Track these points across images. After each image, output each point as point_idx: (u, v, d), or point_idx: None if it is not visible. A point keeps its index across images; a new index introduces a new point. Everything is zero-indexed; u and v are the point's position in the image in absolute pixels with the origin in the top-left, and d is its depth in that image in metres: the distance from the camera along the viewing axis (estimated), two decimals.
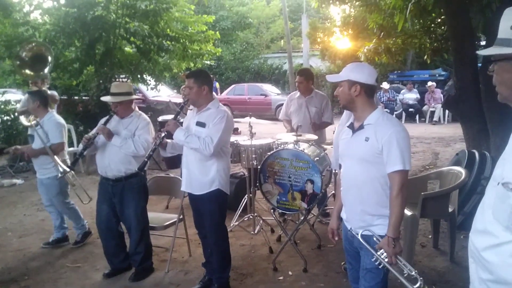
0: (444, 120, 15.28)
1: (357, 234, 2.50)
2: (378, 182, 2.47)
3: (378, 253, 2.40)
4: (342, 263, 4.19)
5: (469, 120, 6.17)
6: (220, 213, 3.72)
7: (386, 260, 2.37)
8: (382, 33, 8.72)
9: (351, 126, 2.61)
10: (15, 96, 11.42)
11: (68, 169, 4.26)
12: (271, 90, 19.81)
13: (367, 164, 2.47)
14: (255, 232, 5.13)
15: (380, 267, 2.41)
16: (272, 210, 4.63)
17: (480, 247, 1.57)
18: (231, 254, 3.90)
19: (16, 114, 7.00)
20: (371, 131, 2.46)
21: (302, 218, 4.52)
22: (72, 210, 5.02)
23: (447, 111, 15.07)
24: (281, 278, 4.13)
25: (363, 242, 2.46)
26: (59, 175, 4.49)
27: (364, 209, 2.51)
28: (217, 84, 21.27)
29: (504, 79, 1.55)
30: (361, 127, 2.52)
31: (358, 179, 2.52)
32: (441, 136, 12.34)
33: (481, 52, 1.61)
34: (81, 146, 4.04)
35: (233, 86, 20.50)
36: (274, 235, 5.13)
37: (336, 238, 2.83)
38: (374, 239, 2.46)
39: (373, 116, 2.51)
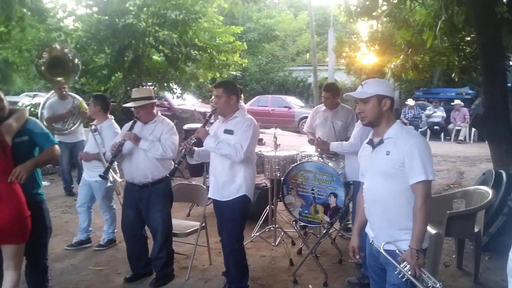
0: (469, 139, 15.03)
1: (379, 248, 2.49)
2: (403, 195, 2.46)
3: (401, 265, 2.38)
4: (347, 279, 4.21)
5: (497, 139, 6.07)
6: (240, 221, 3.76)
7: (410, 272, 2.35)
8: (410, 50, 8.68)
9: (370, 142, 2.62)
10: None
11: (101, 178, 4.31)
12: (295, 103, 19.84)
13: (389, 178, 2.47)
14: (276, 243, 5.12)
15: (404, 280, 2.38)
16: (293, 222, 4.62)
17: None
18: (251, 265, 3.91)
19: (45, 123, 7.13)
20: (392, 145, 2.47)
21: (324, 231, 4.50)
22: (113, 214, 5.13)
23: (473, 130, 14.84)
24: None
25: (387, 256, 2.44)
26: (109, 183, 4.59)
27: (390, 224, 2.50)
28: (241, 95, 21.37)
29: None
30: (381, 141, 2.52)
31: (382, 194, 2.52)
32: (466, 155, 12.14)
33: None
34: (108, 154, 4.12)
35: (257, 97, 20.59)
36: (295, 247, 5.11)
37: (358, 257, 2.83)
38: (397, 251, 2.44)
39: (392, 129, 2.53)
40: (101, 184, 4.86)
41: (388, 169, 2.47)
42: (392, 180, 2.46)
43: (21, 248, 3.11)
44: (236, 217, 3.70)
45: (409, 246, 2.40)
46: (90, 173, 4.92)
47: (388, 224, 2.51)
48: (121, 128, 4.45)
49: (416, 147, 2.41)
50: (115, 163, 4.29)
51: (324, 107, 5.41)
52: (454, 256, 4.71)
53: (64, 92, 7.06)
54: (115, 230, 5.16)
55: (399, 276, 2.38)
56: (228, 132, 3.64)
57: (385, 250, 2.46)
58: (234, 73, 12.05)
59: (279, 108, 19.06)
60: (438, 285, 2.30)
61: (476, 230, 4.16)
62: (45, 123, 6.74)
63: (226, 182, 3.67)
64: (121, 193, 4.58)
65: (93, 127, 4.82)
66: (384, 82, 2.62)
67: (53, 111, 6.95)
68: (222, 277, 4.03)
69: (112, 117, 5.14)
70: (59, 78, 7.18)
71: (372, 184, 2.59)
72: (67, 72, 7.30)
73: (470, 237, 4.30)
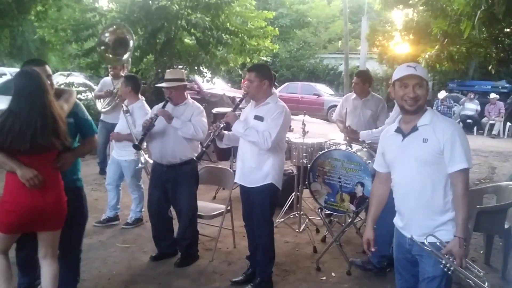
0: (503, 134, 14.64)
1: (421, 242, 2.40)
2: (439, 184, 2.41)
3: (447, 256, 2.32)
4: (351, 259, 4.24)
5: None
6: (270, 207, 3.76)
7: (455, 263, 2.30)
8: (446, 40, 8.44)
9: (399, 130, 2.54)
10: (78, 79, 11.92)
11: (135, 148, 4.33)
12: (324, 91, 19.64)
13: (427, 167, 2.41)
14: (300, 230, 5.13)
15: (449, 272, 2.33)
16: (319, 210, 4.61)
17: None
18: (275, 250, 3.92)
19: (93, 96, 7.24)
20: (429, 132, 2.40)
21: (349, 220, 4.47)
22: (141, 193, 5.21)
23: (507, 125, 14.45)
24: (323, 278, 4.11)
25: (432, 249, 2.36)
26: (140, 164, 4.63)
27: (427, 214, 2.44)
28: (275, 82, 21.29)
29: None
30: (415, 129, 2.45)
31: (418, 183, 2.45)
32: (499, 150, 11.84)
33: None
34: (140, 129, 4.16)
35: (286, 84, 20.45)
36: (319, 235, 5.11)
37: (373, 249, 2.77)
38: (438, 244, 2.38)
39: (427, 117, 2.46)
40: (130, 163, 4.94)
41: (426, 157, 2.40)
42: (430, 168, 2.40)
43: (58, 235, 3.02)
44: (264, 204, 3.69)
45: (455, 235, 2.35)
46: (120, 152, 5.01)
47: (424, 214, 2.45)
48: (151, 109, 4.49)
49: (457, 134, 2.37)
50: (145, 143, 4.32)
51: (354, 95, 5.34)
52: (482, 252, 4.62)
53: (118, 72, 7.02)
54: (142, 209, 5.25)
55: (445, 269, 2.32)
56: (259, 118, 3.59)
57: (428, 243, 2.38)
58: (265, 58, 12.00)
59: (308, 95, 18.91)
60: (481, 273, 2.27)
61: (506, 226, 4.07)
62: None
63: (253, 168, 3.64)
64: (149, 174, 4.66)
65: (124, 107, 4.87)
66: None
67: (102, 88, 7.01)
68: (246, 260, 4.07)
69: (143, 98, 5.18)
70: (111, 56, 7.22)
71: (406, 173, 2.50)
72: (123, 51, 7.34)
73: (500, 233, 4.21)
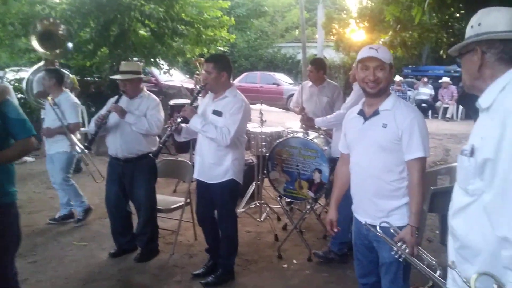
0: (457, 117, 15.13)
1: (374, 226, 2.40)
2: (395, 171, 2.41)
3: (398, 244, 2.31)
4: (313, 251, 4.26)
5: None
6: (232, 201, 3.73)
7: (407, 251, 2.28)
8: (399, 26, 8.61)
9: (361, 113, 2.52)
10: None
11: (86, 149, 4.27)
12: (283, 80, 19.72)
13: (384, 152, 2.41)
14: (262, 219, 5.14)
15: (400, 259, 2.31)
16: (279, 198, 4.63)
17: (449, 216, 1.71)
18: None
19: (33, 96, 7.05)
20: (390, 117, 2.40)
21: (308, 207, 4.52)
22: (72, 187, 5.05)
23: (460, 108, 14.92)
24: (285, 265, 4.15)
25: (383, 236, 2.35)
26: (76, 154, 4.52)
27: (381, 200, 2.45)
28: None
29: (467, 69, 1.73)
30: (376, 113, 2.44)
31: (375, 168, 2.44)
32: (453, 132, 12.22)
33: (450, 50, 1.83)
34: (93, 125, 4.05)
35: (245, 74, 20.43)
36: (280, 223, 5.14)
37: (336, 230, 2.76)
38: (392, 230, 2.37)
39: (389, 101, 2.45)
40: (62, 154, 4.85)
41: (384, 143, 2.40)
42: (387, 154, 2.40)
43: None
44: (226, 200, 3.66)
45: (408, 224, 2.36)
46: (52, 146, 4.89)
47: (379, 199, 2.45)
48: (101, 103, 4.38)
49: (416, 122, 2.37)
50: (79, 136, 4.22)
51: (310, 83, 5.36)
52: (437, 232, 4.77)
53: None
54: (85, 199, 5.15)
55: (396, 256, 2.30)
56: (217, 113, 3.50)
57: (380, 228, 2.38)
58: (222, 48, 11.87)
59: (267, 85, 18.94)
60: (434, 262, 2.27)
61: None
62: (33, 98, 6.68)
63: (212, 164, 3.57)
64: (89, 164, 4.58)
65: (51, 101, 4.77)
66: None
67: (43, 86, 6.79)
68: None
69: (68, 90, 5.16)
70: (57, 51, 7.04)
71: (364, 157, 2.49)
72: (59, 46, 7.16)
73: None
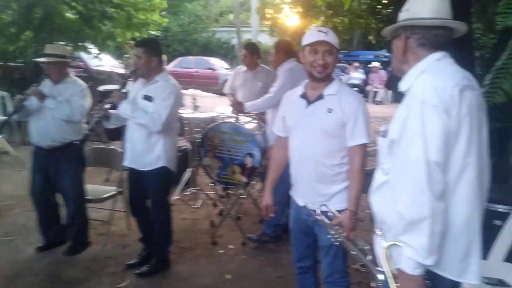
0: (387, 100, 15.72)
1: (314, 210, 2.37)
2: (337, 156, 2.41)
3: (335, 228, 2.29)
4: (248, 235, 4.30)
5: None
6: (164, 189, 3.66)
7: (344, 235, 2.26)
8: (330, 12, 8.79)
9: (304, 96, 2.48)
10: None
11: None
12: (219, 65, 19.56)
13: (328, 136, 2.39)
14: (197, 206, 5.10)
15: (336, 243, 2.27)
16: (212, 184, 4.60)
17: (369, 193, 1.81)
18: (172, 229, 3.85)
19: None
20: (334, 102, 2.37)
21: (241, 191, 4.53)
22: None
23: (390, 92, 15.51)
24: (221, 251, 4.15)
25: (322, 218, 2.32)
26: None
27: (322, 184, 2.44)
28: (163, 56, 20.76)
29: (395, 53, 1.80)
30: (321, 97, 2.41)
31: (317, 153, 2.42)
32: (384, 115, 12.65)
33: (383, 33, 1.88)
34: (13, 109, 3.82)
35: (180, 58, 20.06)
36: (216, 209, 5.12)
37: (272, 214, 2.76)
38: (330, 214, 2.35)
39: (334, 86, 2.43)
40: None
41: (328, 128, 2.38)
42: (330, 139, 2.38)
43: None
44: (158, 187, 3.58)
45: (347, 208, 2.37)
46: None
47: (320, 184, 2.45)
48: (26, 89, 4.12)
49: (361, 109, 2.37)
50: None
51: (244, 68, 5.34)
52: (367, 211, 4.94)
53: None
54: None
55: (332, 239, 2.27)
56: (148, 98, 3.39)
57: (320, 212, 2.34)
58: (155, 33, 11.60)
59: (203, 69, 18.73)
60: (367, 246, 2.31)
61: None
62: None
63: (143, 151, 3.47)
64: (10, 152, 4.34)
65: None
66: None
67: None
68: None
69: None
70: None
71: (306, 142, 2.45)
72: None
73: None
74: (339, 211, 2.38)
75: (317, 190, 2.46)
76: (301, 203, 2.53)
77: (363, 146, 2.38)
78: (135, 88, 3.64)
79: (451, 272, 1.66)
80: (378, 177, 1.78)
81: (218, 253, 4.12)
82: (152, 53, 3.41)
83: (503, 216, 2.91)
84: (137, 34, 10.33)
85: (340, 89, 2.43)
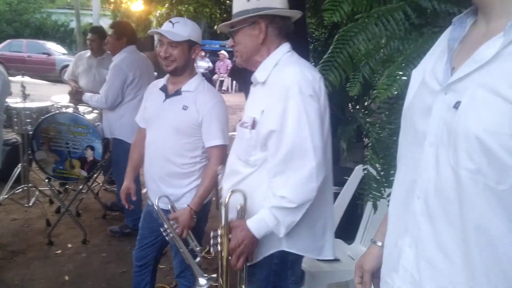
0: (231, 89, 16.17)
1: (152, 202, 2.30)
2: (190, 152, 2.33)
3: (171, 222, 2.25)
4: (109, 228, 4.20)
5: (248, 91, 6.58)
6: None
7: (177, 231, 2.24)
8: None
9: (164, 89, 2.37)
10: None
11: None
12: (55, 49, 18.11)
13: (181, 135, 2.29)
14: (30, 204, 4.63)
15: (167, 238, 2.26)
16: (47, 180, 4.21)
17: (227, 188, 1.80)
18: None
19: None
20: (191, 100, 2.28)
21: (81, 187, 4.25)
22: None
23: (234, 81, 15.98)
24: (59, 252, 3.83)
25: (159, 210, 2.24)
26: None
27: (172, 182, 2.35)
28: None
29: (246, 43, 1.76)
30: (178, 92, 2.31)
31: (169, 150, 2.32)
32: (228, 104, 12.94)
33: (222, 25, 1.82)
34: None
35: (8, 41, 18.07)
36: (53, 206, 4.73)
37: (134, 198, 2.59)
38: (169, 207, 2.30)
39: (193, 82, 2.33)
40: None
41: (181, 125, 2.28)
42: (183, 137, 2.29)
43: None
44: None
45: (188, 205, 2.28)
46: None
47: (169, 181, 2.36)
48: None
49: (217, 109, 2.29)
50: None
51: (89, 53, 4.96)
52: (213, 199, 5.00)
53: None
54: None
55: (164, 233, 2.25)
56: None
57: (158, 206, 2.25)
58: None
59: (37, 54, 17.17)
60: (198, 248, 2.28)
61: None
62: None
63: None
64: None
65: None
66: (196, 26, 2.34)
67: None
68: None
69: None
70: None
71: (158, 137, 2.36)
72: None
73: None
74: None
75: (167, 189, 2.36)
76: (149, 201, 2.46)
77: (219, 147, 2.30)
78: None
79: (312, 252, 1.80)
80: (240, 170, 1.76)
81: (55, 254, 3.79)
82: None
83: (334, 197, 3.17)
84: None
85: (199, 86, 2.34)
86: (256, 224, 1.66)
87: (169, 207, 2.32)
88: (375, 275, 1.29)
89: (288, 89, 1.60)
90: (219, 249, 1.74)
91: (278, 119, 1.61)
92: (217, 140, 2.28)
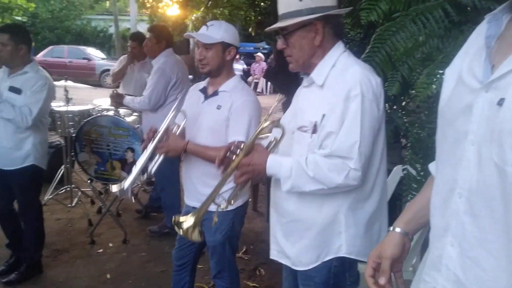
0: (266, 91, 16.20)
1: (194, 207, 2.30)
2: None
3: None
4: (149, 227, 4.29)
5: (286, 90, 6.55)
6: (34, 189, 3.38)
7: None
8: (210, 2, 8.76)
9: (203, 91, 2.42)
10: None
11: None
12: (95, 54, 18.59)
13: (216, 134, 2.31)
14: (73, 204, 4.79)
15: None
16: (89, 181, 4.34)
17: (278, 194, 1.79)
18: (44, 230, 3.57)
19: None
20: (226, 99, 2.32)
21: None
22: None
23: (269, 83, 16.00)
24: (100, 251, 3.95)
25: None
26: None
27: (208, 182, 2.28)
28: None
29: (301, 46, 1.67)
30: (216, 93, 2.35)
31: None
32: (263, 106, 12.99)
33: (275, 26, 1.70)
34: None
35: (51, 47, 18.68)
36: (95, 207, 4.87)
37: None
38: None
39: (230, 83, 2.37)
40: None
41: (215, 125, 2.31)
42: (218, 136, 2.31)
43: None
44: (27, 188, 3.28)
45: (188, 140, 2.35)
46: None
47: (205, 181, 2.36)
48: None
49: (247, 105, 2.30)
50: None
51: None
52: (250, 200, 5.04)
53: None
54: None
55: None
56: (15, 90, 3.08)
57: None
58: (20, 18, 10.69)
59: (77, 59, 17.66)
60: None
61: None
62: None
63: (9, 149, 3.15)
64: None
65: None
66: (231, 28, 2.38)
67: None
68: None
69: None
70: None
71: (196, 136, 2.38)
72: None
73: (263, 180, 4.63)
74: (228, 211, 2.27)
75: (200, 187, 2.38)
76: (189, 203, 2.48)
77: (240, 144, 2.26)
78: None
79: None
80: None
81: (97, 252, 3.91)
82: (20, 40, 3.13)
83: None
84: None
85: (235, 86, 2.37)
86: (273, 162, 1.70)
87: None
88: (395, 264, 1.25)
89: (350, 90, 1.57)
90: (233, 158, 1.78)
91: (337, 121, 1.58)
92: (238, 136, 2.23)
